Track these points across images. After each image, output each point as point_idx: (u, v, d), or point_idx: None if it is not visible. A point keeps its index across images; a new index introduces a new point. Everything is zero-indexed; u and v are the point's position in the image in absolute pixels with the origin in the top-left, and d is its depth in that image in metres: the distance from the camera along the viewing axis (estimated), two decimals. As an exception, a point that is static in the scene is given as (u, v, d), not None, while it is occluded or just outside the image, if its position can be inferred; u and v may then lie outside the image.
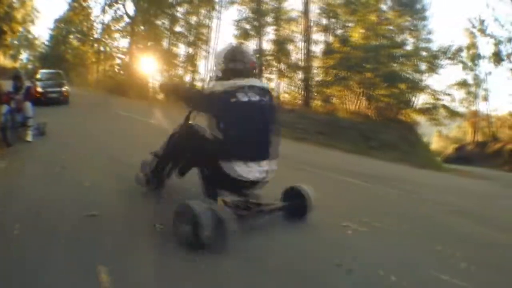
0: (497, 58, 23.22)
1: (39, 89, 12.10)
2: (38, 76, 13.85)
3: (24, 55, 40.88)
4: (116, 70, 22.81)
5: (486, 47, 25.05)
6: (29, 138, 5.75)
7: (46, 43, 33.59)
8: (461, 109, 25.25)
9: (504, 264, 2.57)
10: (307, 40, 19.99)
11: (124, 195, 3.08)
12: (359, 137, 14.23)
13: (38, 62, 33.01)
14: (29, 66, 35.88)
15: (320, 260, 2.19)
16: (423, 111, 19.80)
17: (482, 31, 24.53)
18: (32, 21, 33.80)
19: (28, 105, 5.95)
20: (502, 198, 7.89)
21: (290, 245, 2.37)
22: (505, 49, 22.84)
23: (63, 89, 13.30)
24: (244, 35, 21.07)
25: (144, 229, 2.36)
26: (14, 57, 36.64)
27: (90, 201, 2.83)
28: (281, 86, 21.97)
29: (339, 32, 20.21)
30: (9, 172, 3.85)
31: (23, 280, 1.68)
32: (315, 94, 19.60)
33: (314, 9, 20.77)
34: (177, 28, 22.01)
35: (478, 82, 25.29)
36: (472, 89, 25.80)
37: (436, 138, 32.10)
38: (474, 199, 6.67)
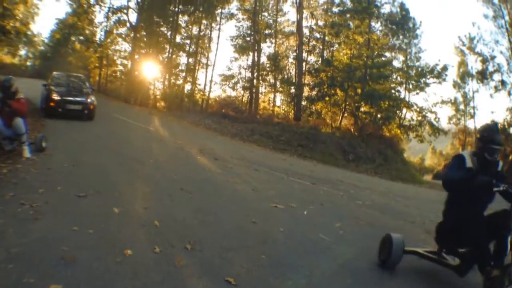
0: (481, 76, 26.10)
1: (55, 97, 10.40)
2: (52, 80, 11.57)
3: (23, 52, 43.53)
4: (118, 76, 25.67)
5: (475, 65, 27.63)
6: (27, 154, 5.79)
7: (46, 41, 36.30)
8: (449, 126, 28.25)
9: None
10: (299, 57, 23.02)
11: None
12: (337, 150, 17.18)
13: (39, 61, 35.67)
14: (28, 63, 38.60)
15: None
16: (407, 127, 22.79)
17: (471, 49, 27.38)
18: (33, 18, 36.62)
19: (18, 122, 5.83)
20: (434, 202, 9.66)
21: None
22: (489, 66, 25.74)
23: (89, 100, 11.02)
24: (241, 50, 24.11)
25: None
26: (13, 53, 39.13)
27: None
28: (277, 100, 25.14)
29: (326, 51, 23.37)
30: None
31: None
32: (304, 109, 22.61)
33: (305, 29, 24.01)
34: (178, 38, 24.90)
35: (466, 99, 28.13)
36: (461, 106, 28.64)
37: (430, 154, 35.14)
38: (406, 202, 8.85)
